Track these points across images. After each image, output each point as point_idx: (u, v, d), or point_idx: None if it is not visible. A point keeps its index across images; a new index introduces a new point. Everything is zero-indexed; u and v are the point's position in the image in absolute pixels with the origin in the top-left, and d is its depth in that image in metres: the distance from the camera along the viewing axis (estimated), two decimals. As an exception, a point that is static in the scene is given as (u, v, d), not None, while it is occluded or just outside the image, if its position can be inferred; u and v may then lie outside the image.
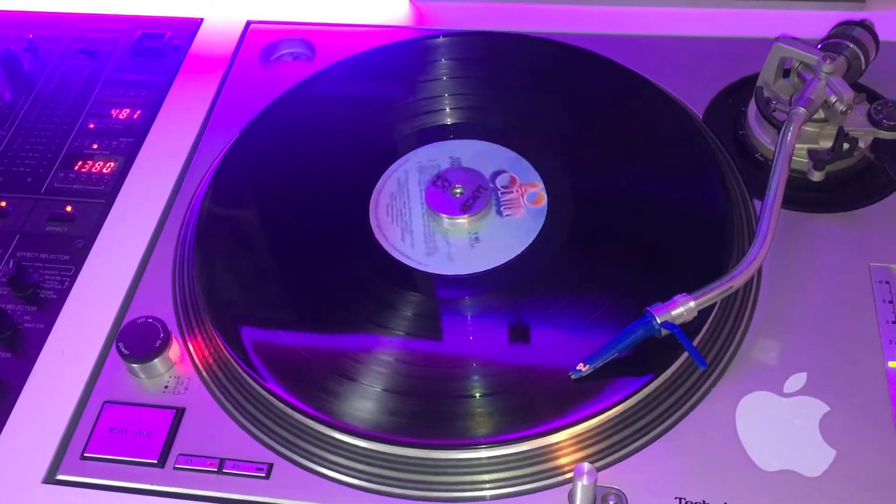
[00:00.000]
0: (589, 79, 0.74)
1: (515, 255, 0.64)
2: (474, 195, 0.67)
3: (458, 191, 0.67)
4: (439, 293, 0.63)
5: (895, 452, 0.53)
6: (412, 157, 0.71)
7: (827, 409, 0.55)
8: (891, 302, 0.60)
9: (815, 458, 0.53)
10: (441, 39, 0.78)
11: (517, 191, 0.67)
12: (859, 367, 0.57)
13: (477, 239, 0.65)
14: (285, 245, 0.67)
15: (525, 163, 0.69)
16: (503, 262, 0.64)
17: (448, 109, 0.74)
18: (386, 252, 0.65)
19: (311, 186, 0.70)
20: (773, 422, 0.55)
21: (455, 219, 0.66)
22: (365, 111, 0.74)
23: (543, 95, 0.74)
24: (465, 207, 0.66)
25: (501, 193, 0.67)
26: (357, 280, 0.64)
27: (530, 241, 0.65)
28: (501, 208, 0.67)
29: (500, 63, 0.76)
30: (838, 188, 0.66)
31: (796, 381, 0.57)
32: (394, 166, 0.70)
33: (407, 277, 0.64)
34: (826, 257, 0.63)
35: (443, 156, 0.71)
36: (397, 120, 0.73)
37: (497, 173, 0.68)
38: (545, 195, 0.67)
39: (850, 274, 0.62)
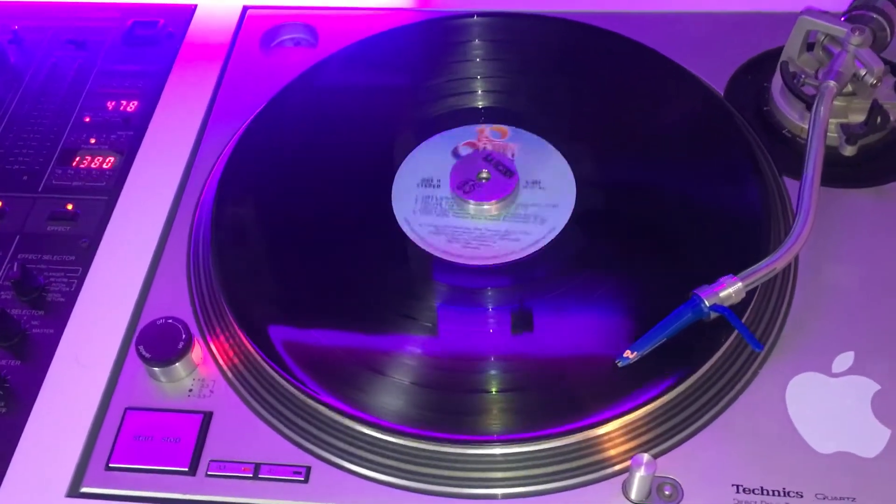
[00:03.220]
0: (610, 59, 0.72)
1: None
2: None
3: (485, 176, 0.65)
4: (472, 284, 0.61)
5: (950, 428, 0.52)
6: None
7: (877, 387, 0.54)
8: (931, 276, 0.59)
9: (870, 438, 0.52)
10: (459, 21, 0.76)
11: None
12: (906, 343, 0.56)
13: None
14: (307, 234, 0.64)
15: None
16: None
17: (476, 92, 0.72)
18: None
19: (331, 173, 0.67)
20: (825, 402, 0.54)
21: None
22: (381, 95, 0.72)
23: (570, 79, 0.71)
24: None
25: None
26: (383, 269, 0.62)
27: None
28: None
29: (522, 44, 0.73)
30: (868, 162, 0.65)
31: (844, 360, 0.56)
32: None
33: (434, 267, 0.61)
34: (862, 233, 0.62)
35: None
36: (418, 103, 0.71)
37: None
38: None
39: (887, 248, 0.61)
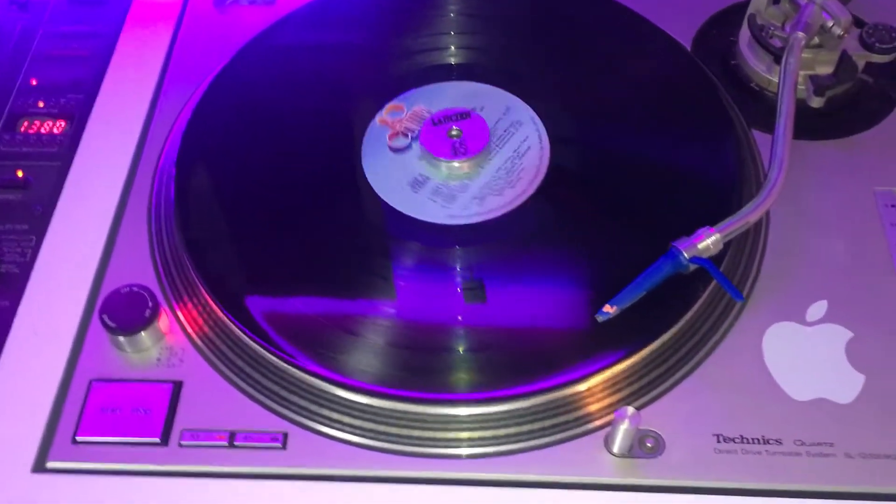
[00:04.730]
0: (576, 14, 0.71)
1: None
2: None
3: (455, 133, 0.63)
4: (442, 243, 0.60)
5: (923, 371, 0.53)
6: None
7: (851, 334, 0.55)
8: (898, 225, 0.60)
9: (845, 384, 0.53)
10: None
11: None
12: (877, 291, 0.57)
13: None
14: (273, 196, 0.62)
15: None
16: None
17: (449, 49, 0.70)
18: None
19: (298, 134, 0.65)
20: (800, 351, 0.54)
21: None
22: (348, 53, 0.69)
23: (534, 35, 0.70)
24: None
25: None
26: (354, 229, 0.60)
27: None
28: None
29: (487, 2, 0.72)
30: (831, 114, 0.66)
31: (817, 309, 0.56)
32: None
33: (406, 227, 0.60)
34: (830, 184, 0.62)
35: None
36: (386, 61, 0.69)
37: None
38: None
39: (855, 200, 0.61)
